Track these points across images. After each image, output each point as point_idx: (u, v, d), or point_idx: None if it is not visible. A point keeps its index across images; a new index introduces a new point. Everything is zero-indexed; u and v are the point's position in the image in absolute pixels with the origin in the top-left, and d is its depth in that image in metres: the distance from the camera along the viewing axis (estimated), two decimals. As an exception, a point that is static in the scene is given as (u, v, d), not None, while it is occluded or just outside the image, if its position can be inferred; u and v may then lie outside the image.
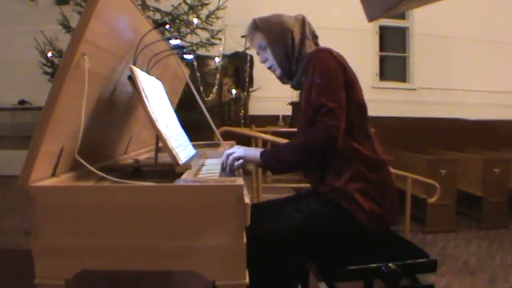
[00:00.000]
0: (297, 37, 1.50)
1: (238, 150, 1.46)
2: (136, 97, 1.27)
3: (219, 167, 1.59)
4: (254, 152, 1.45)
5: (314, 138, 1.35)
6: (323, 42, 1.56)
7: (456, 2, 5.38)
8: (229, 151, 1.48)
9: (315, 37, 1.56)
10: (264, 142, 3.40)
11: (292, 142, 1.46)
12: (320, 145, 1.34)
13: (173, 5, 4.84)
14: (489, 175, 4.16)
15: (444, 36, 6.34)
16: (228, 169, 1.44)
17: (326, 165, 1.43)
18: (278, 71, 1.56)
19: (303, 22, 1.54)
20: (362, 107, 1.47)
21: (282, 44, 1.50)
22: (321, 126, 1.34)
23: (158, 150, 1.50)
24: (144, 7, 4.68)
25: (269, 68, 1.57)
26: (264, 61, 1.58)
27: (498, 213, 4.19)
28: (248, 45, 1.60)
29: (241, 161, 1.44)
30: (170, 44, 1.71)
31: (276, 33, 1.51)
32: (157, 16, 4.82)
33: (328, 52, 1.43)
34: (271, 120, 5.60)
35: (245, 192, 1.04)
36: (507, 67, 6.52)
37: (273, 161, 1.43)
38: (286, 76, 1.56)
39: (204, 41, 4.93)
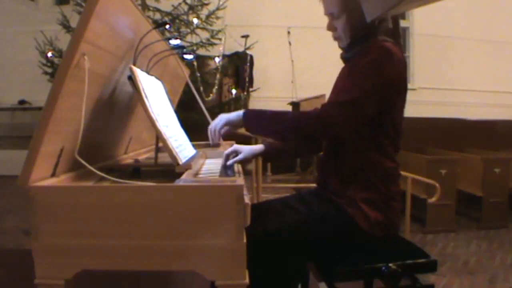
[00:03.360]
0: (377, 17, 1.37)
1: (220, 118, 1.41)
2: (136, 97, 1.27)
3: (219, 167, 1.59)
4: (236, 113, 1.39)
5: (306, 118, 1.31)
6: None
7: (456, 2, 5.38)
8: (216, 126, 1.41)
9: (393, 33, 1.43)
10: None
11: (282, 112, 1.39)
12: (307, 126, 1.30)
13: (173, 5, 4.85)
14: (489, 175, 4.16)
15: (444, 36, 6.35)
16: (213, 137, 1.41)
17: (337, 168, 1.42)
18: (343, 43, 1.46)
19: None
20: (397, 126, 1.41)
21: (359, 16, 1.35)
22: (320, 110, 1.31)
23: (158, 150, 1.50)
24: (144, 7, 4.69)
25: (334, 37, 1.48)
26: (330, 29, 1.47)
27: (498, 213, 4.19)
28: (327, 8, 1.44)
29: (221, 122, 1.39)
30: (170, 44, 1.71)
31: (355, 5, 1.37)
32: (157, 16, 4.83)
33: (390, 58, 1.31)
34: (271, 120, 5.60)
35: (245, 192, 1.04)
36: (507, 67, 6.52)
37: (255, 125, 1.38)
38: (348, 48, 1.46)
39: (204, 41, 4.94)
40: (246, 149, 1.61)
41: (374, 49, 1.33)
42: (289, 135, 1.37)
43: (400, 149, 1.45)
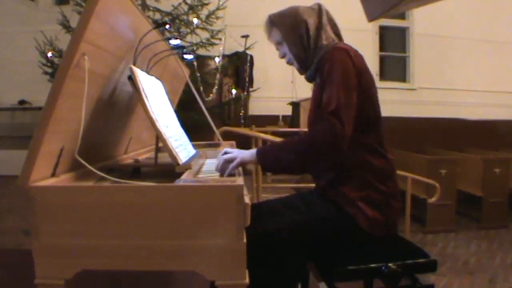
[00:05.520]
0: (312, 27, 1.45)
1: (233, 153, 1.42)
2: (136, 97, 1.27)
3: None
4: (250, 152, 1.41)
5: (317, 136, 1.31)
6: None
7: (456, 2, 5.38)
8: (225, 156, 1.43)
9: (335, 26, 1.51)
10: (264, 142, 3.40)
11: (291, 139, 1.41)
12: (322, 144, 1.29)
13: (173, 5, 4.84)
14: (489, 175, 4.17)
15: (444, 36, 6.34)
16: (225, 174, 1.40)
17: (333, 170, 1.42)
18: (296, 65, 1.52)
19: (319, 11, 1.48)
20: (377, 114, 1.43)
21: (297, 35, 1.46)
22: (326, 124, 1.29)
23: (158, 150, 1.50)
24: (144, 7, 4.68)
25: (288, 62, 1.54)
26: (282, 56, 1.54)
27: (498, 213, 4.19)
28: (268, 39, 1.54)
29: (236, 161, 1.41)
30: (170, 44, 1.71)
31: (289, 26, 1.47)
32: (157, 16, 4.82)
33: (346, 52, 1.37)
34: (271, 120, 5.60)
35: (245, 192, 1.04)
36: (507, 67, 6.52)
37: (271, 160, 1.38)
38: (303, 68, 1.52)
39: (204, 41, 4.94)
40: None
41: (329, 55, 1.39)
42: (306, 157, 1.34)
43: (383, 141, 1.44)
